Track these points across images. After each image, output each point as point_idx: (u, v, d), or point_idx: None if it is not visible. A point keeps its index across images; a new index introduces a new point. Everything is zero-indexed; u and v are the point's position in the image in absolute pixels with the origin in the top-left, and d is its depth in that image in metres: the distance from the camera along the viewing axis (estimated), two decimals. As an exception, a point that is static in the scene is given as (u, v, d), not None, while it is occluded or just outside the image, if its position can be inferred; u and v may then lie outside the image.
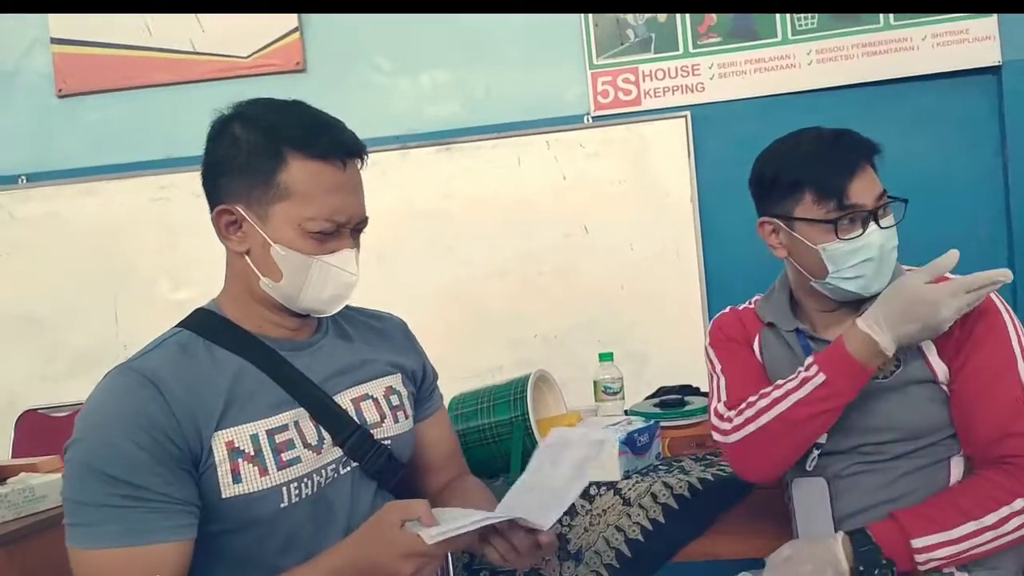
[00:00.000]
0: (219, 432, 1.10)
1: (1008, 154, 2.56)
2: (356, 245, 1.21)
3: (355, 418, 1.24)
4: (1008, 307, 1.30)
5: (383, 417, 1.27)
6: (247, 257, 1.16)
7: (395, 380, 1.33)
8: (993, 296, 1.27)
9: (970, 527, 1.18)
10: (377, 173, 2.69)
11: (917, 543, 1.18)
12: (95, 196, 2.84)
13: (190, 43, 2.82)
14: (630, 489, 1.62)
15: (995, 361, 1.24)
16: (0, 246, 2.87)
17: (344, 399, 1.24)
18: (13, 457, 2.47)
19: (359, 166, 1.19)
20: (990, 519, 1.18)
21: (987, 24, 2.55)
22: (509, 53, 2.77)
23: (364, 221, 1.21)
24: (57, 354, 2.83)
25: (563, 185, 2.71)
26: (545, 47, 2.74)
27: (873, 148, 1.31)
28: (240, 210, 1.14)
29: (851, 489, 1.34)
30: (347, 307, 1.34)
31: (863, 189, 1.28)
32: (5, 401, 2.79)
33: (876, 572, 1.18)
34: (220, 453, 1.10)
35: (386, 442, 1.27)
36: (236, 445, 1.11)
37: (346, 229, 1.18)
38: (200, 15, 2.80)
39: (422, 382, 1.41)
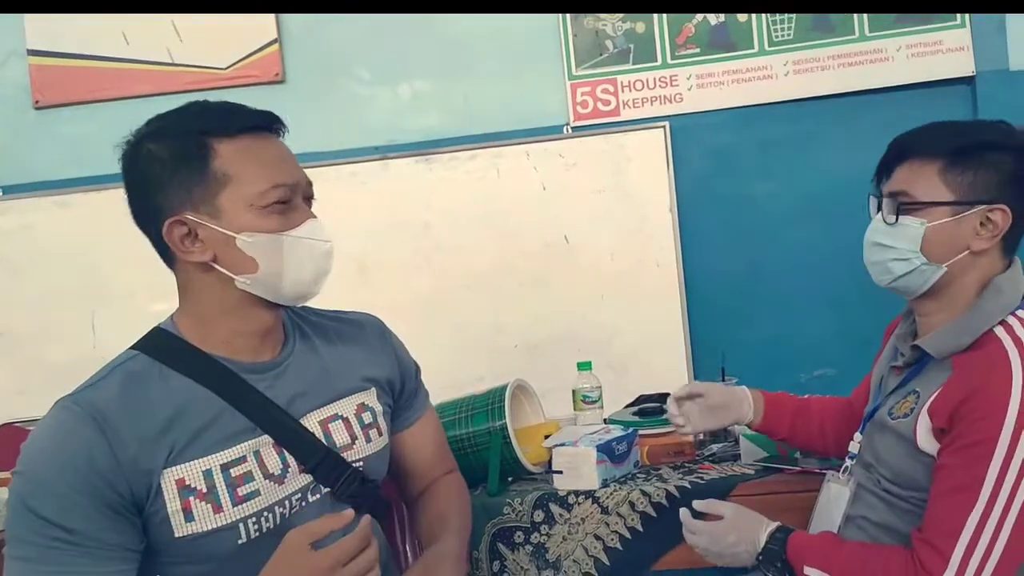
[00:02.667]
0: (168, 470, 1.06)
1: (982, 163, 2.59)
2: (315, 215, 1.17)
3: (323, 441, 1.18)
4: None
5: (354, 439, 1.22)
6: (215, 265, 1.12)
7: (368, 396, 1.27)
8: (1016, 373, 1.15)
9: None
10: (356, 184, 2.75)
11: (808, 570, 1.25)
12: (71, 209, 2.82)
13: (168, 54, 2.81)
14: (608, 497, 1.62)
15: (966, 473, 1.16)
16: (-25, 259, 2.85)
17: (311, 421, 1.19)
18: (-12, 472, 2.45)
19: (281, 137, 1.17)
20: None
21: (960, 35, 2.58)
22: (488, 64, 2.77)
23: (311, 187, 1.19)
24: (34, 368, 2.80)
25: (542, 195, 2.71)
26: (524, 58, 2.75)
27: (936, 150, 1.25)
28: (190, 217, 1.10)
29: (863, 499, 1.36)
30: (319, 313, 1.31)
31: (893, 178, 1.30)
32: (-19, 415, 2.76)
33: (777, 565, 1.28)
34: (170, 492, 1.06)
35: (358, 464, 1.22)
36: (187, 483, 1.07)
37: (298, 198, 1.15)
38: (179, 25, 2.80)
39: (401, 391, 1.35)
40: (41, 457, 1.03)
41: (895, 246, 1.26)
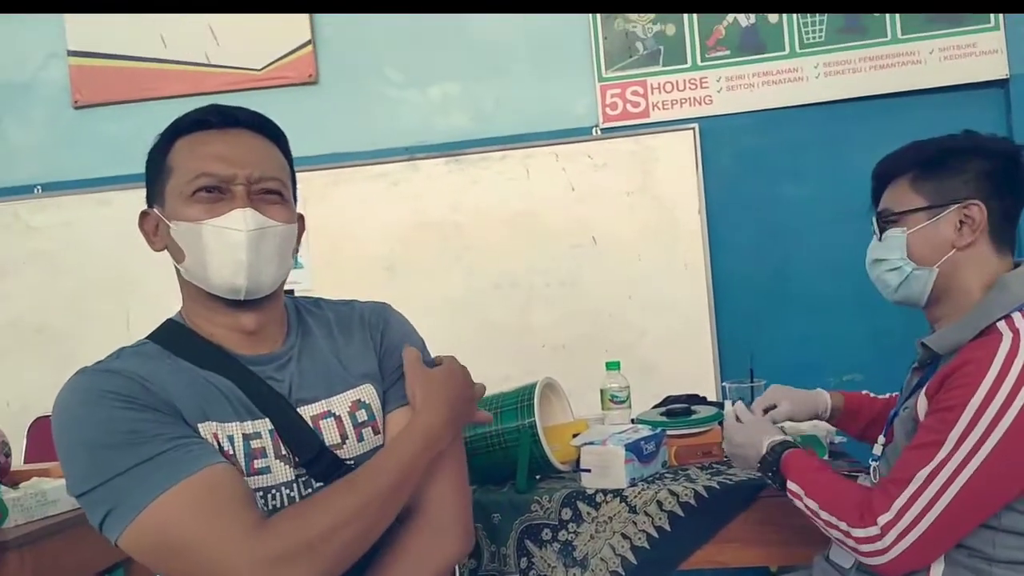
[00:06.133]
0: (201, 424, 1.06)
1: (1015, 167, 2.56)
2: (251, 205, 1.11)
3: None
4: (1005, 370, 1.17)
5: (344, 437, 1.19)
6: (170, 254, 1.15)
7: (365, 392, 1.23)
8: (997, 357, 1.18)
9: (812, 505, 1.30)
10: (387, 184, 2.78)
11: (790, 483, 1.35)
12: (108, 206, 2.88)
13: (204, 55, 2.86)
14: (636, 497, 1.63)
15: (932, 433, 1.21)
16: (16, 255, 2.92)
17: (304, 415, 1.17)
18: (26, 463, 2.50)
19: (261, 137, 1.16)
20: (824, 516, 1.28)
21: (994, 38, 2.56)
22: (518, 66, 2.80)
23: (275, 182, 1.14)
24: (70, 363, 2.81)
25: (571, 196, 2.73)
26: (554, 59, 2.77)
27: (904, 167, 1.34)
28: (153, 209, 1.15)
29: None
30: (325, 305, 1.31)
31: (880, 202, 1.38)
32: (19, 407, 2.82)
33: (771, 473, 1.39)
34: (208, 438, 1.06)
35: (349, 462, 1.18)
36: (219, 439, 1.07)
37: (237, 188, 1.11)
38: (215, 27, 2.85)
39: (382, 373, 1.28)
40: (86, 409, 1.02)
41: (887, 258, 1.35)
